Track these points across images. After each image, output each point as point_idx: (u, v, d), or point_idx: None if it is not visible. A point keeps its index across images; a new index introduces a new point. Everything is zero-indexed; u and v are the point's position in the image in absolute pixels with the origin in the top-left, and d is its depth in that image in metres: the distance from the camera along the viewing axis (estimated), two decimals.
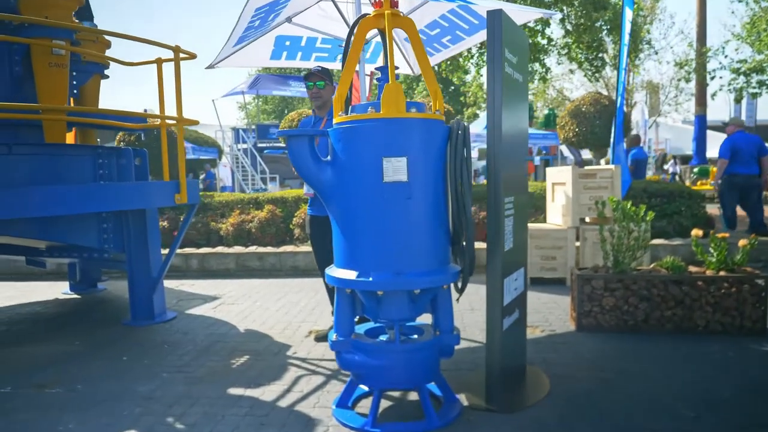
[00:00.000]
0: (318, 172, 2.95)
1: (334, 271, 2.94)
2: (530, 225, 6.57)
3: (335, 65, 5.52)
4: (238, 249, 7.86)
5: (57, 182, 4.50)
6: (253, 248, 7.85)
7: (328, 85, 4.25)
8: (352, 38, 3.01)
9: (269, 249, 7.76)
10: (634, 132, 14.48)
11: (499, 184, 3.01)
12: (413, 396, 3.26)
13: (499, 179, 3.01)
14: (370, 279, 2.78)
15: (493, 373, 3.10)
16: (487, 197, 3.06)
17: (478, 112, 24.57)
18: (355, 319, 3.16)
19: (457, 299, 3.26)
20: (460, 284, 3.07)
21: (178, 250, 7.83)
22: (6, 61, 4.68)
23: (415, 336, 3.20)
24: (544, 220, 7.22)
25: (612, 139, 7.07)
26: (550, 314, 5.07)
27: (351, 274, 2.85)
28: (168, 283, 7.04)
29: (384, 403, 3.20)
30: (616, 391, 3.34)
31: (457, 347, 3.11)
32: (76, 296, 6.51)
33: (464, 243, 2.97)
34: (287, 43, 5.49)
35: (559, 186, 6.54)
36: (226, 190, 22.48)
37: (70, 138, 6.35)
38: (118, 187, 4.64)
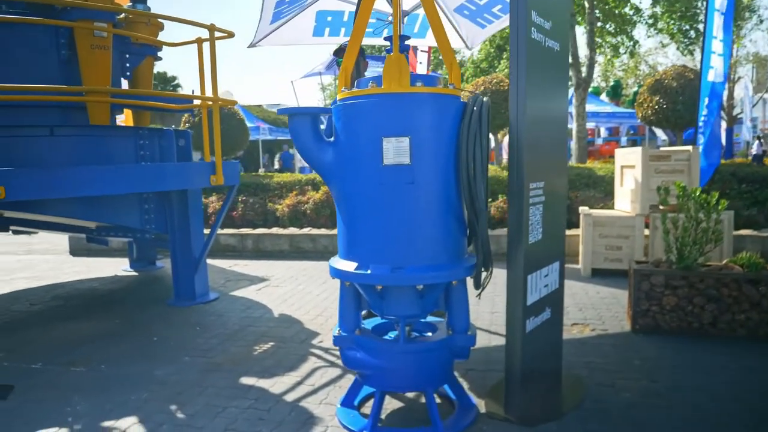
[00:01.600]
0: (319, 152, 2.71)
1: (336, 262, 2.71)
2: (594, 211, 6.02)
3: (382, 42, 5.22)
4: (292, 230, 7.83)
5: (98, 163, 4.56)
6: (306, 230, 7.79)
7: (359, 61, 3.98)
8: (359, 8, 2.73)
9: (322, 231, 7.67)
10: (737, 110, 13.04)
11: (522, 167, 2.64)
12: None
13: (522, 162, 2.63)
14: (368, 272, 2.52)
15: (512, 380, 2.77)
16: (509, 183, 2.69)
17: None
18: (363, 313, 2.94)
19: (478, 296, 2.94)
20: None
21: (235, 230, 7.93)
22: (54, 45, 4.77)
23: (430, 333, 2.92)
24: (613, 207, 6.60)
25: (703, 117, 6.27)
26: (606, 311, 4.58)
27: (350, 266, 2.60)
28: (221, 263, 7.14)
29: (393, 404, 2.96)
30: (664, 407, 2.89)
31: (492, 345, 2.79)
32: (134, 274, 6.73)
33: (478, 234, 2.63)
34: (329, 18, 5.26)
35: (628, 169, 5.92)
36: (305, 172, 22.85)
37: (128, 121, 6.52)
38: (152, 168, 4.64)
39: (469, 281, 2.74)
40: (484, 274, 2.74)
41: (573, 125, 12.33)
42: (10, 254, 8.41)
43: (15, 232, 6.21)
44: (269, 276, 6.34)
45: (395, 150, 2.45)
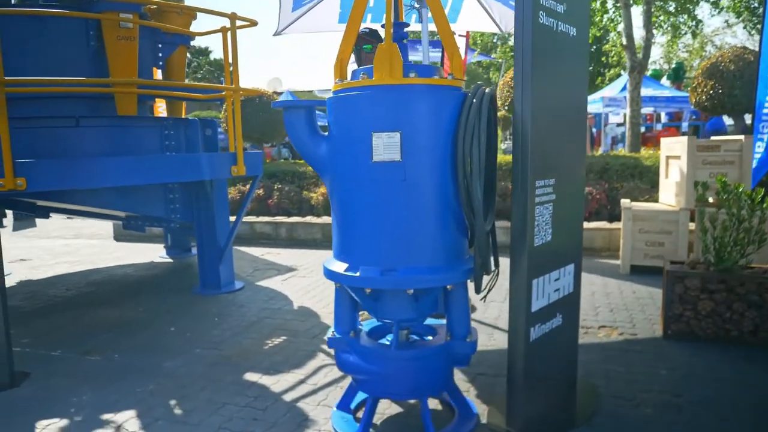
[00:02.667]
0: (313, 147, 2.60)
1: (329, 262, 2.60)
2: (635, 204, 5.67)
3: (414, 27, 5.04)
4: (325, 219, 7.79)
5: (122, 153, 4.63)
6: None
7: (376, 48, 3.83)
8: None
9: None
10: None
11: (527, 164, 2.44)
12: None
13: (526, 159, 2.44)
14: (358, 274, 2.40)
15: (514, 391, 2.60)
16: (513, 180, 2.50)
17: (622, 72, 22.25)
18: (363, 313, 2.83)
19: (482, 299, 2.77)
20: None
21: (270, 218, 7.97)
22: (84, 36, 4.85)
23: (430, 337, 2.78)
24: (657, 200, 6.20)
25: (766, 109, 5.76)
26: (639, 312, 4.29)
27: (340, 267, 2.49)
28: (254, 251, 7.20)
29: (393, 409, 2.85)
30: (685, 426, 2.65)
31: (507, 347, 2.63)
32: (169, 260, 6.87)
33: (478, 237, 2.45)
34: (370, 3, 5.10)
35: (673, 160, 5.53)
36: None
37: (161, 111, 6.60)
38: (169, 159, 4.67)
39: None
40: (486, 278, 2.56)
41: (627, 111, 11.72)
42: (59, 238, 8.79)
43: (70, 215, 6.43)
44: (298, 266, 6.33)
45: (385, 146, 2.31)
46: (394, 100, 2.30)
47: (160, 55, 5.75)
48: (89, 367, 3.54)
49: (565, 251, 2.80)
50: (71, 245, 8.11)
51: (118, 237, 8.47)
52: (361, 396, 2.86)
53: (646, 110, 18.44)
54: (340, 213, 2.50)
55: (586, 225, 6.41)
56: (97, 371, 3.46)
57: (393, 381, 2.55)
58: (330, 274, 2.53)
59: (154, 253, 7.31)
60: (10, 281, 5.92)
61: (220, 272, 5.27)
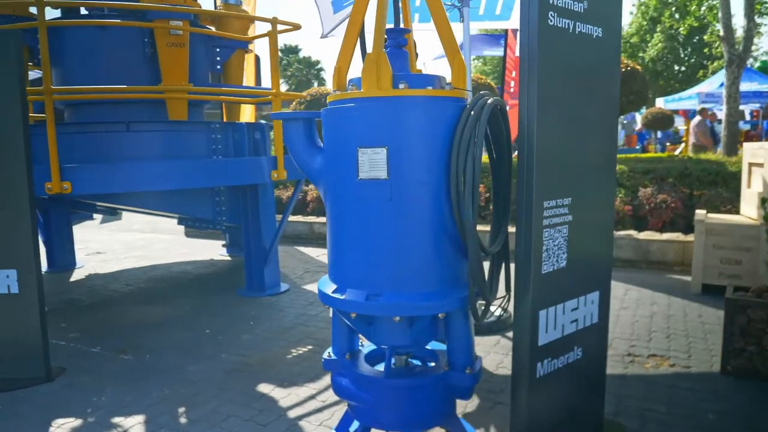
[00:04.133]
0: (309, 159, 2.48)
1: (323, 281, 2.49)
2: (710, 216, 5.10)
3: (457, 26, 4.81)
4: None
5: (170, 158, 4.77)
6: None
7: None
8: None
9: None
10: None
11: (532, 182, 2.20)
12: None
13: (531, 175, 2.19)
14: (343, 297, 2.27)
15: None
16: (517, 199, 2.27)
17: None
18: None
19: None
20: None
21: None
22: (140, 43, 5.05)
23: (433, 364, 2.60)
24: (737, 211, 5.55)
25: None
26: (700, 341, 3.84)
27: (330, 288, 2.37)
28: (311, 251, 7.25)
29: None
30: None
31: None
32: (228, 258, 7.07)
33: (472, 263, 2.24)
34: (417, 3, 4.94)
35: (756, 168, 4.91)
36: None
37: (243, 116, 6.77)
38: (209, 163, 4.75)
39: None
40: (490, 305, 2.34)
41: (723, 108, 10.68)
42: (137, 232, 9.32)
43: None
44: None
45: (371, 162, 2.15)
46: (379, 113, 2.14)
47: (218, 59, 5.90)
48: (119, 366, 3.66)
49: (586, 278, 2.51)
50: (145, 239, 8.57)
51: (189, 233, 8.85)
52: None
53: (752, 106, 16.81)
54: (331, 230, 2.38)
55: (657, 237, 5.88)
56: (124, 371, 3.57)
57: (383, 410, 2.39)
58: (320, 295, 2.41)
59: (217, 250, 7.55)
60: (79, 274, 6.34)
61: (264, 274, 5.32)
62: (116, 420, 2.94)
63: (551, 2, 2.15)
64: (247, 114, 6.94)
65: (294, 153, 2.54)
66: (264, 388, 3.30)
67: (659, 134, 17.22)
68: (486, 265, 2.32)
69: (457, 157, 2.12)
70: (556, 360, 2.40)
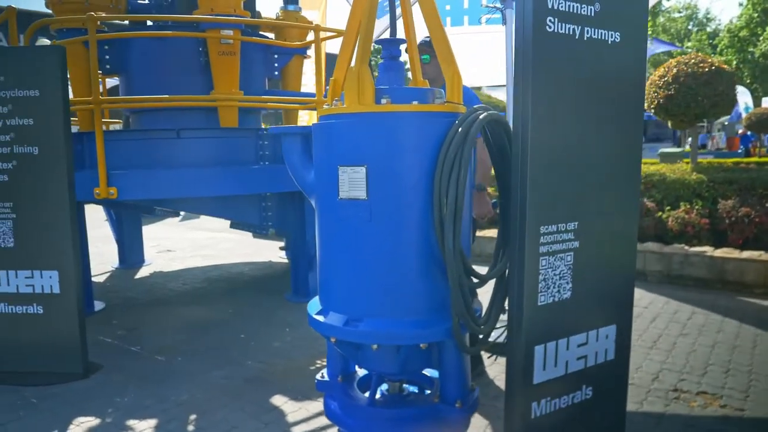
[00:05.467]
0: (304, 174, 2.43)
1: (312, 301, 2.42)
2: None
3: (499, 28, 4.61)
4: None
5: (218, 164, 4.89)
6: None
7: (435, 59, 3.52)
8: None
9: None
10: None
11: (525, 204, 2.00)
12: None
13: (525, 197, 2.00)
14: (323, 320, 2.19)
15: None
16: (511, 223, 2.07)
17: None
18: None
19: (491, 356, 2.37)
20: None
21: None
22: (195, 53, 5.24)
23: (429, 392, 2.45)
24: None
25: None
26: (765, 379, 3.39)
27: (314, 309, 2.30)
28: None
29: None
30: None
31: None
32: (285, 261, 7.19)
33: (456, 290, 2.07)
34: (447, 7, 4.79)
35: None
36: None
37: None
38: (259, 171, 4.82)
39: None
40: (481, 336, 2.17)
41: None
42: (207, 231, 9.73)
43: None
44: None
45: (351, 181, 2.05)
46: (359, 130, 2.04)
47: (276, 65, 6.02)
48: (151, 367, 3.79)
49: (597, 311, 2.27)
50: (214, 238, 8.93)
51: (256, 233, 9.11)
52: None
53: None
54: (318, 248, 2.30)
55: (735, 254, 5.31)
56: (154, 372, 3.69)
57: None
58: (308, 316, 2.34)
59: (275, 252, 7.70)
60: (145, 271, 6.69)
61: (309, 280, 5.34)
62: (130, 422, 3.03)
63: (550, 6, 1.94)
64: (304, 120, 7.04)
65: (290, 167, 2.50)
66: (277, 400, 3.28)
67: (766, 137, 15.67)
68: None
69: (440, 178, 1.98)
70: (557, 400, 2.18)
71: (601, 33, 2.09)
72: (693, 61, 6.68)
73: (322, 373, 2.53)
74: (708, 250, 5.52)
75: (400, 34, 2.58)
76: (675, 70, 6.72)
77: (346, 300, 2.16)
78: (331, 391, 2.45)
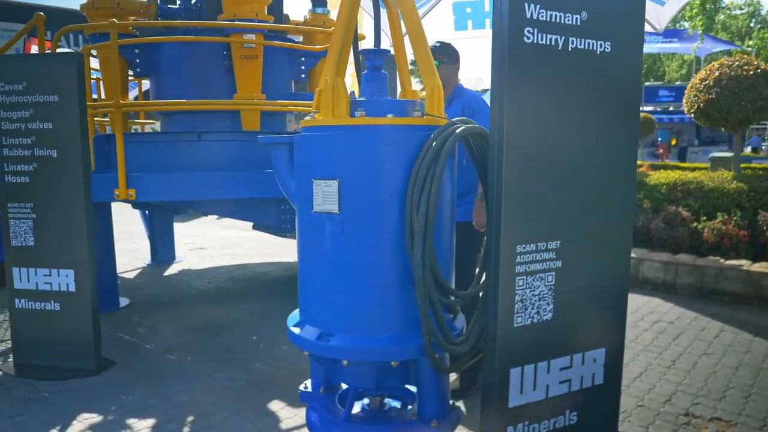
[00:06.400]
0: (289, 184, 2.41)
1: (293, 314, 2.41)
2: None
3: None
4: None
5: (236, 167, 4.96)
6: None
7: (448, 64, 3.45)
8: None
9: None
10: None
11: (500, 222, 1.93)
12: None
13: (499, 214, 1.93)
14: (297, 332, 2.18)
15: None
16: (486, 243, 2.01)
17: None
18: None
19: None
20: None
21: None
22: (219, 57, 5.34)
23: (410, 407, 2.41)
24: None
25: None
26: None
27: (293, 320, 2.29)
28: None
29: None
30: None
31: None
32: None
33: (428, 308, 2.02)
34: (468, 9, 4.68)
35: None
36: None
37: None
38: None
39: None
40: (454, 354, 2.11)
41: None
42: (238, 229, 9.89)
43: None
44: None
45: (324, 195, 2.03)
46: (331, 143, 2.01)
47: (303, 68, 6.07)
48: (161, 365, 3.88)
49: (583, 333, 2.17)
50: (243, 237, 9.08)
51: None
52: None
53: None
54: (298, 259, 2.29)
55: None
56: (163, 371, 3.78)
57: None
58: (287, 328, 2.34)
59: None
60: (174, 269, 6.87)
61: None
62: (130, 422, 3.11)
63: (529, 16, 1.86)
64: None
65: (277, 176, 2.48)
66: (275, 405, 3.30)
67: None
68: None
69: (411, 193, 1.93)
70: (536, 425, 2.10)
71: (589, 43, 1.99)
72: (737, 63, 6.33)
73: (306, 384, 2.52)
74: (745, 263, 5.22)
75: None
76: (717, 73, 6.39)
77: (320, 313, 2.14)
78: (313, 402, 2.44)
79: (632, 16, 2.09)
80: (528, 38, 1.86)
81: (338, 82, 2.02)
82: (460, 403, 2.67)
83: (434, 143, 1.94)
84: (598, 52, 2.02)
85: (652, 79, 32.21)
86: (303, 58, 6.07)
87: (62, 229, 3.68)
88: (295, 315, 2.34)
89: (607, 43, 2.02)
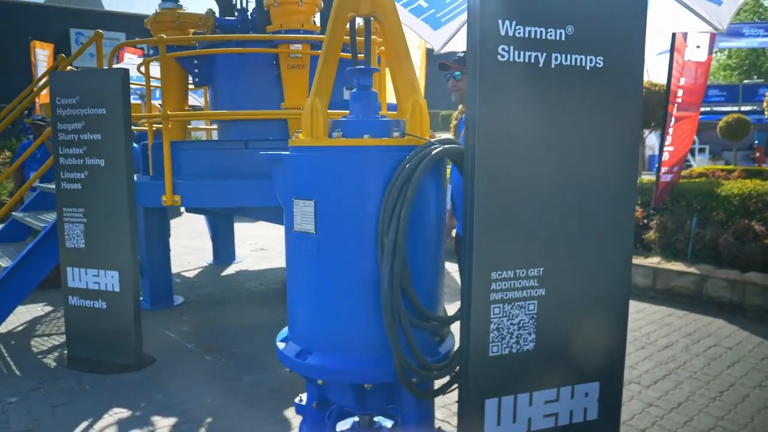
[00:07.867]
0: (285, 200, 2.46)
1: (284, 330, 2.45)
2: None
3: None
4: None
5: None
6: None
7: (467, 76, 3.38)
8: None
9: None
10: None
11: (472, 247, 1.86)
12: None
13: (471, 241, 1.85)
14: (281, 347, 2.21)
15: None
16: (459, 268, 1.94)
17: None
18: None
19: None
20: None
21: None
22: (269, 66, 5.51)
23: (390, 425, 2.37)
24: None
25: None
26: None
27: (281, 335, 2.33)
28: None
29: None
30: None
31: None
32: None
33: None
34: None
35: None
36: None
37: None
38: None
39: None
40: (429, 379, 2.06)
41: None
42: None
43: None
44: None
45: (302, 215, 2.05)
46: (308, 163, 2.02)
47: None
48: (197, 366, 4.06)
49: (571, 365, 2.05)
50: None
51: None
52: None
53: None
54: (286, 276, 2.32)
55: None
56: (196, 371, 3.95)
57: None
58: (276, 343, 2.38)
59: None
60: (233, 269, 7.16)
61: None
62: (154, 419, 3.28)
63: (503, 33, 1.77)
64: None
65: (277, 191, 2.53)
66: (290, 412, 3.35)
67: None
68: None
69: (382, 216, 1.90)
70: None
71: (577, 59, 1.86)
72: None
73: (301, 396, 2.54)
74: None
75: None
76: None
77: (302, 331, 2.16)
78: (306, 415, 2.46)
79: (630, 28, 1.93)
80: (503, 56, 1.77)
81: (316, 103, 2.02)
82: (445, 425, 2.60)
83: (408, 165, 1.89)
84: (588, 68, 1.89)
85: (755, 76, 29.64)
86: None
87: (108, 233, 3.95)
88: (285, 330, 2.38)
89: (598, 57, 1.89)
